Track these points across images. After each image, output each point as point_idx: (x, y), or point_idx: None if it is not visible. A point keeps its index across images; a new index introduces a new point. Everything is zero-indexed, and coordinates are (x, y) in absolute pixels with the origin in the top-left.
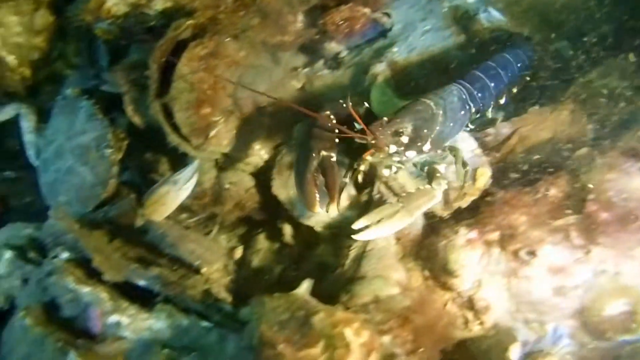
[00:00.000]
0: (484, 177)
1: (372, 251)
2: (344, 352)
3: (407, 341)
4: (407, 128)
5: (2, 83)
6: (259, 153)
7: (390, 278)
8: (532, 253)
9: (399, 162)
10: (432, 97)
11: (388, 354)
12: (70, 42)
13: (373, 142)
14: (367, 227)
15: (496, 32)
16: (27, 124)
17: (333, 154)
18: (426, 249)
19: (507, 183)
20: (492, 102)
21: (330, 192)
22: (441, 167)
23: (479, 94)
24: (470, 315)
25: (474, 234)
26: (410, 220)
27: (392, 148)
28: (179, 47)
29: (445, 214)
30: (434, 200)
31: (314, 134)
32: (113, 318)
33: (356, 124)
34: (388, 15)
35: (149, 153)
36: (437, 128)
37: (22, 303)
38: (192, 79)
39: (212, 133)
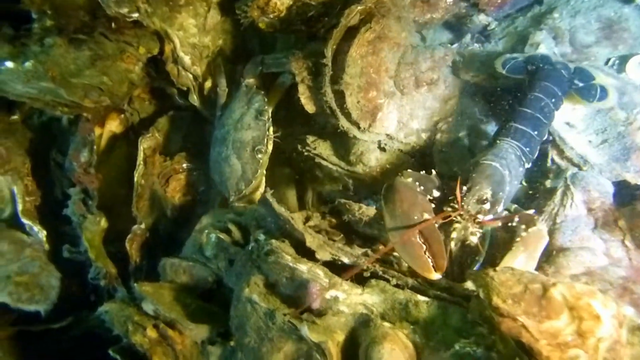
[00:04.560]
0: None
1: (564, 223)
2: (594, 324)
3: None
4: (488, 193)
5: (178, 81)
6: (417, 133)
7: (595, 249)
8: None
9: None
10: (494, 159)
11: (636, 326)
12: (227, 38)
13: (462, 214)
14: None
15: None
16: (220, 100)
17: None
18: (627, 218)
19: None
20: (538, 148)
21: (438, 261)
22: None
23: (527, 149)
24: None
25: None
26: (534, 263)
27: (480, 217)
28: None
29: None
30: (546, 239)
31: (408, 198)
32: (331, 293)
33: (435, 191)
34: None
35: (311, 137)
36: (507, 188)
37: (229, 282)
38: (361, 64)
39: (378, 116)
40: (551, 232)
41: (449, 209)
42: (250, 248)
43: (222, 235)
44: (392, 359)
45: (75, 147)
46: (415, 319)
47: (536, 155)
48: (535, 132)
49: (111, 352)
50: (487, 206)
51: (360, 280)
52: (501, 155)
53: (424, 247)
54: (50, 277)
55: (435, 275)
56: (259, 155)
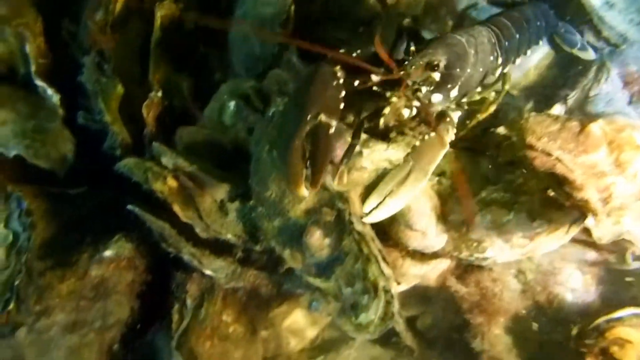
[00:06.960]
0: None
1: (598, 96)
2: (635, 154)
3: None
4: (441, 62)
5: None
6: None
7: (630, 114)
8: None
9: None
10: (463, 34)
11: None
12: None
13: (402, 74)
14: (380, 203)
15: None
16: None
17: (333, 122)
18: None
19: None
20: (513, 57)
21: (314, 170)
22: (455, 115)
23: (506, 43)
24: None
25: None
26: (426, 178)
27: (423, 89)
28: None
29: None
30: (444, 149)
31: (316, 90)
32: (358, 149)
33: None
34: None
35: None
36: (468, 70)
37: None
38: None
39: None
40: (583, 105)
41: (384, 72)
42: (271, 114)
43: (241, 102)
44: (417, 206)
45: (90, 7)
46: (442, 170)
47: (510, 62)
48: (517, 35)
49: (129, 207)
50: (436, 75)
51: (386, 137)
52: (471, 33)
53: (306, 153)
54: (66, 141)
55: (304, 192)
56: (279, 31)
